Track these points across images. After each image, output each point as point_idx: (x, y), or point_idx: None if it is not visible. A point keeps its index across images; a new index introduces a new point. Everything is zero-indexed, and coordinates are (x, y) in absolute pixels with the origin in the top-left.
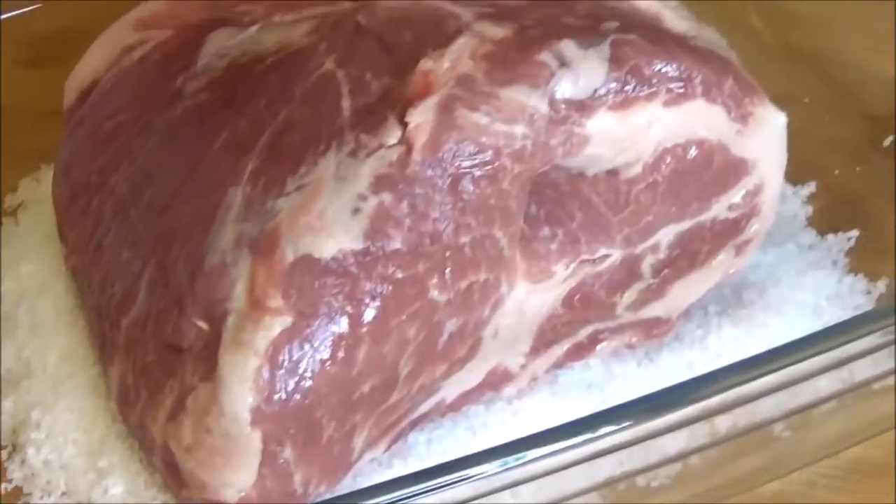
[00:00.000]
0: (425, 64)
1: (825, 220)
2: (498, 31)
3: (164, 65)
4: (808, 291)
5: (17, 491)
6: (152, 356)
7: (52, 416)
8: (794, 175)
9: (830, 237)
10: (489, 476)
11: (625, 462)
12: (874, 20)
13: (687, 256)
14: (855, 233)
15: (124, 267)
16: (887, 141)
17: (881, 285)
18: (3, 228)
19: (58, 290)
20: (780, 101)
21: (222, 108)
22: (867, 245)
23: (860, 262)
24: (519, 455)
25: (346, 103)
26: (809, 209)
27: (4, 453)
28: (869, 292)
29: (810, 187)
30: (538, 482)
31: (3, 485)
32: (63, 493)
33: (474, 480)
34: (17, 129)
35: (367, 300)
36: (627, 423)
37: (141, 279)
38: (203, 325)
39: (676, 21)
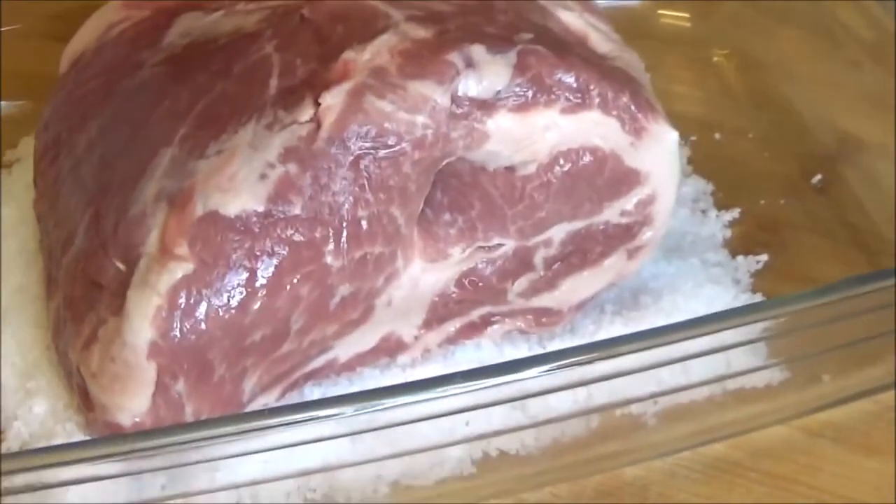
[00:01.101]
0: (348, 54)
1: (741, 244)
2: (420, 32)
3: (135, 40)
4: (700, 302)
5: None
6: (80, 291)
7: None
8: (723, 201)
9: (740, 258)
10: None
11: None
12: (831, 74)
13: (579, 254)
14: (764, 257)
15: (71, 213)
16: (816, 178)
17: None
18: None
19: (25, 233)
20: (727, 133)
21: (172, 80)
22: (774, 269)
23: (763, 283)
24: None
25: (273, 83)
26: (728, 232)
27: None
28: None
29: (734, 213)
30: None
31: None
32: None
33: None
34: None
35: (264, 257)
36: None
37: (80, 224)
38: (121, 265)
39: (601, 42)
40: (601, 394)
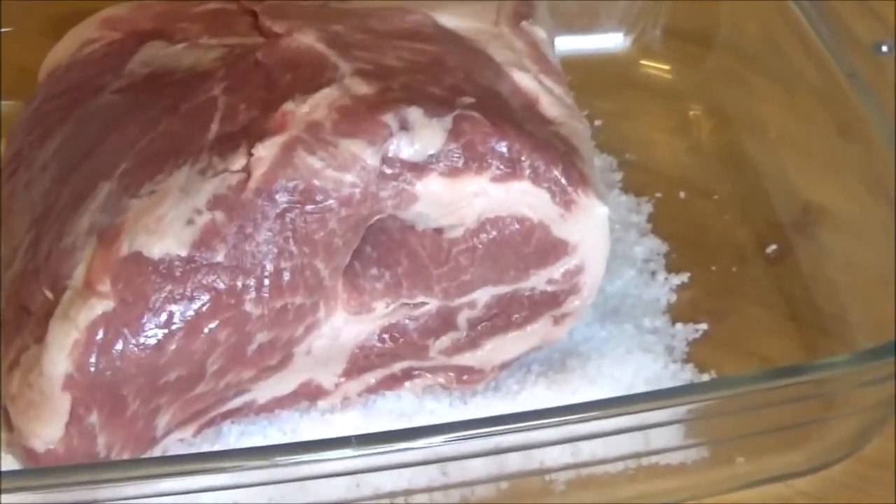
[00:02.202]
0: (288, 105)
1: (684, 310)
2: (362, 88)
3: (102, 62)
4: (627, 370)
5: None
6: (12, 314)
7: None
8: (675, 263)
9: (679, 326)
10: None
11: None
12: (806, 139)
13: (504, 317)
14: (704, 326)
15: (18, 231)
16: (770, 248)
17: (704, 377)
18: None
19: None
20: (692, 193)
21: (124, 111)
22: (713, 339)
23: (698, 353)
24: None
25: (214, 126)
26: (674, 297)
27: None
28: (691, 382)
29: (684, 277)
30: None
31: None
32: None
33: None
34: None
35: (184, 301)
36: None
37: (22, 244)
38: (49, 294)
39: (551, 106)
40: (514, 458)
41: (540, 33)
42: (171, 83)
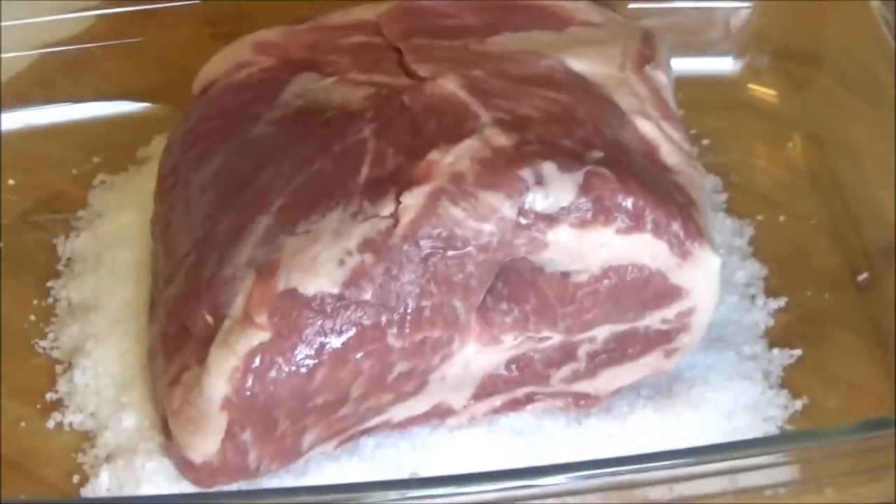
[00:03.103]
0: (433, 154)
1: (780, 335)
2: (500, 140)
3: (257, 89)
4: (728, 396)
5: (59, 402)
6: (173, 330)
7: (102, 349)
8: (773, 287)
9: (776, 351)
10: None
11: None
12: None
13: (619, 351)
14: (798, 352)
15: (177, 249)
16: (861, 277)
17: (798, 403)
18: (126, 175)
19: (141, 245)
20: (792, 216)
21: (279, 144)
22: (806, 365)
23: (792, 378)
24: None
25: (364, 170)
26: (771, 321)
27: (60, 368)
28: (786, 407)
29: (781, 302)
30: None
31: (50, 394)
32: (90, 414)
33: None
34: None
35: (333, 335)
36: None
37: (183, 265)
38: (210, 319)
39: (671, 154)
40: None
41: (661, 78)
42: (323, 122)
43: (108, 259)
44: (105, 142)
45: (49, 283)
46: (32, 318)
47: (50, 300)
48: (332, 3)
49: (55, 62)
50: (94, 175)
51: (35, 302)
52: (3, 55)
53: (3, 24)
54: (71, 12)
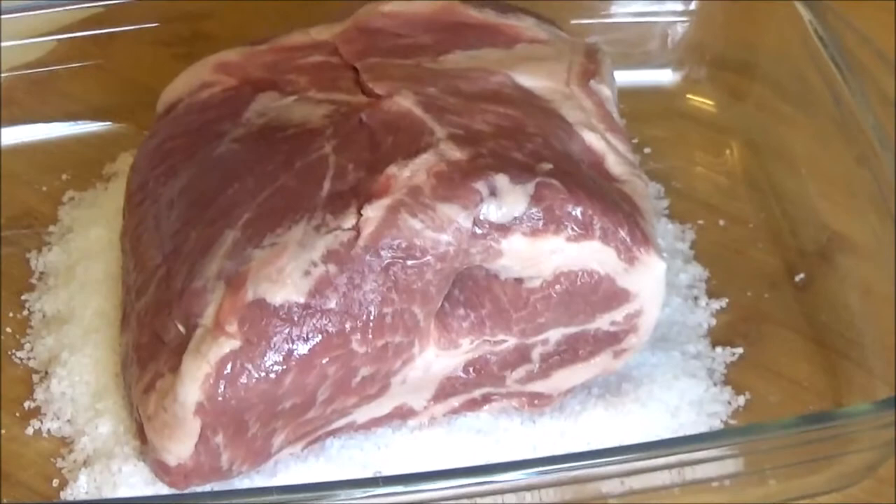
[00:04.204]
0: (391, 169)
1: (722, 334)
2: (455, 154)
3: (221, 108)
4: (674, 394)
5: (37, 410)
6: (146, 339)
7: (76, 358)
8: (714, 289)
9: (719, 350)
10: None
11: None
12: (837, 170)
13: (571, 352)
14: (740, 350)
15: (148, 262)
16: (798, 277)
17: (741, 399)
18: (95, 191)
19: (111, 257)
20: (731, 220)
21: (243, 160)
22: (748, 362)
23: (735, 375)
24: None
25: (326, 184)
26: (713, 321)
27: (37, 377)
28: (729, 403)
29: (722, 302)
30: None
31: (28, 402)
32: (67, 421)
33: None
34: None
35: (300, 341)
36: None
37: (154, 277)
38: (181, 328)
39: (616, 164)
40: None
41: (605, 91)
42: (285, 139)
43: (80, 272)
44: (72, 159)
45: (24, 297)
46: (9, 329)
47: (25, 312)
48: (289, 24)
49: (22, 84)
50: (64, 192)
51: (10, 314)
52: None
53: None
54: (35, 37)
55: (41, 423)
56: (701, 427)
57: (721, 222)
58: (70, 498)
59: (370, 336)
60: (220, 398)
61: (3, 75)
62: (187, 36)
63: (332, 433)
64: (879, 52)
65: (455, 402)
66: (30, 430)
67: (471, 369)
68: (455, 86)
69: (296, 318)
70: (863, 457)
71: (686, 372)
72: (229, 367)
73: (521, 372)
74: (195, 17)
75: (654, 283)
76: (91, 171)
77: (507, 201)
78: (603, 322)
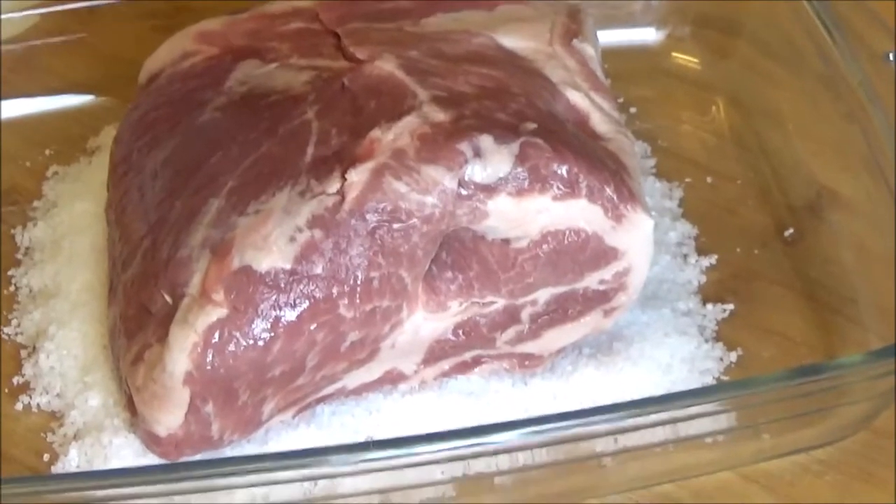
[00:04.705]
0: (375, 133)
1: (712, 291)
2: (439, 116)
3: (203, 77)
4: (665, 351)
5: (26, 385)
6: (133, 311)
7: (64, 332)
8: (704, 246)
9: (709, 306)
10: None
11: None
12: (824, 127)
13: (561, 312)
14: (731, 307)
15: (133, 234)
16: (788, 232)
17: (733, 355)
18: (79, 165)
19: (97, 231)
20: (719, 177)
21: (226, 129)
22: (739, 319)
23: (726, 332)
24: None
25: (310, 150)
26: (703, 278)
27: (24, 353)
28: (721, 359)
29: (712, 259)
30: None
31: (16, 378)
32: (56, 395)
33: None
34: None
35: (287, 308)
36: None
37: (139, 248)
38: (168, 298)
39: (601, 122)
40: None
41: (589, 50)
42: (268, 105)
43: (66, 246)
44: (56, 134)
45: (10, 272)
46: None
47: (12, 288)
48: None
49: (4, 59)
50: (48, 167)
51: None
52: None
53: None
54: (16, 11)
55: (30, 398)
56: (693, 384)
57: (709, 179)
58: (61, 472)
59: (358, 301)
60: (208, 367)
61: None
62: (169, 10)
63: (323, 400)
64: (867, 6)
65: (445, 365)
66: (19, 406)
67: (460, 332)
68: (437, 48)
69: (282, 285)
70: (857, 409)
71: (677, 329)
72: (217, 335)
73: (510, 333)
74: None
75: (642, 240)
76: (75, 146)
77: (492, 162)
78: (591, 281)
